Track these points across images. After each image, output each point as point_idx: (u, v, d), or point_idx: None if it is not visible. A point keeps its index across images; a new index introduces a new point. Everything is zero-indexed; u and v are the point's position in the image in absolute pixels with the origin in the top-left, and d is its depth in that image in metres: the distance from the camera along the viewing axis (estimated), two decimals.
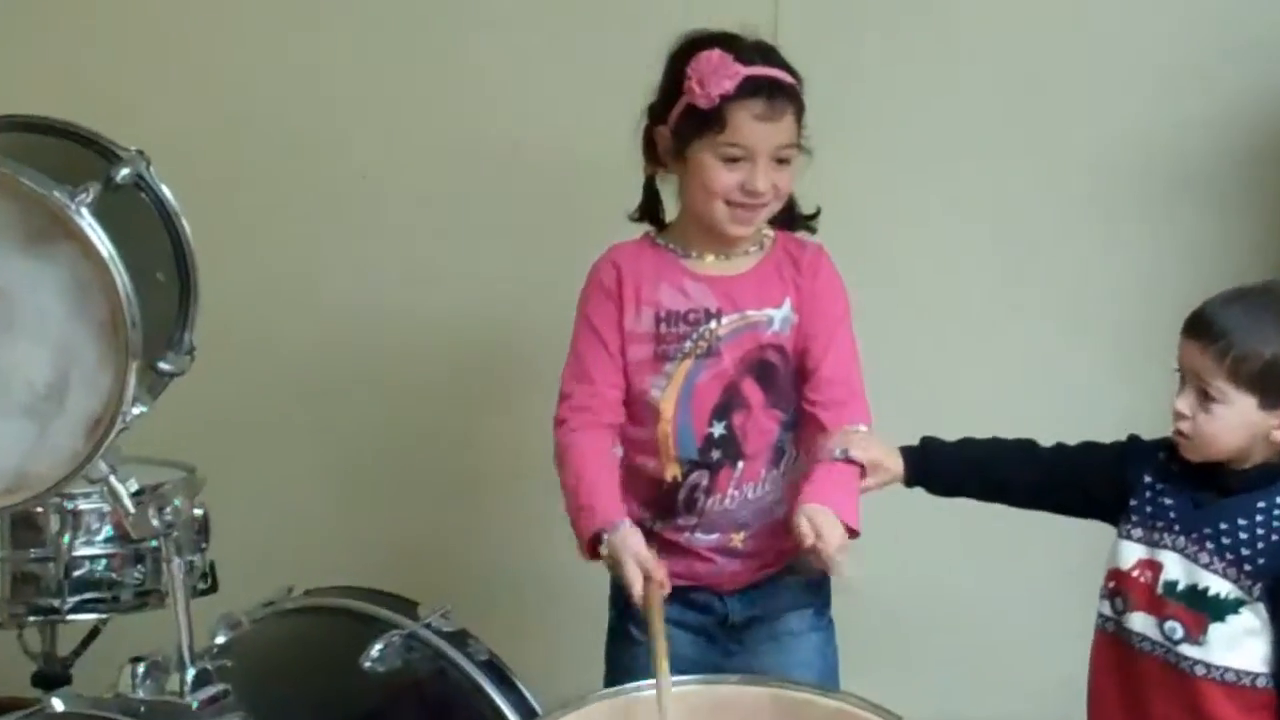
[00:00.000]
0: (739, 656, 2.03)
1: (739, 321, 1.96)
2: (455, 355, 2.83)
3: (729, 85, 1.90)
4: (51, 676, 2.33)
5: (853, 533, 1.84)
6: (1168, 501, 1.86)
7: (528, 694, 1.97)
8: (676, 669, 1.73)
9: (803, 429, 2.00)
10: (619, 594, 2.01)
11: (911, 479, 1.97)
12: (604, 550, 1.87)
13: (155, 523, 1.80)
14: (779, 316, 1.98)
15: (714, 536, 2.00)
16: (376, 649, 1.92)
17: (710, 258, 2.00)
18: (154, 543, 2.15)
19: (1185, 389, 1.81)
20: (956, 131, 2.61)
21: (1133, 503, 1.88)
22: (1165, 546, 1.85)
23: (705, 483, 1.98)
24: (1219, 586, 1.80)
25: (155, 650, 1.82)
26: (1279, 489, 1.80)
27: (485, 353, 2.82)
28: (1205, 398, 1.79)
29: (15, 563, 2.18)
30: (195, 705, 1.76)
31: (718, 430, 1.96)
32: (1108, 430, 1.98)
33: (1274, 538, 1.79)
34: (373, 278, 2.85)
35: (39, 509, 2.14)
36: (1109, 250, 2.62)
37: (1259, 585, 1.78)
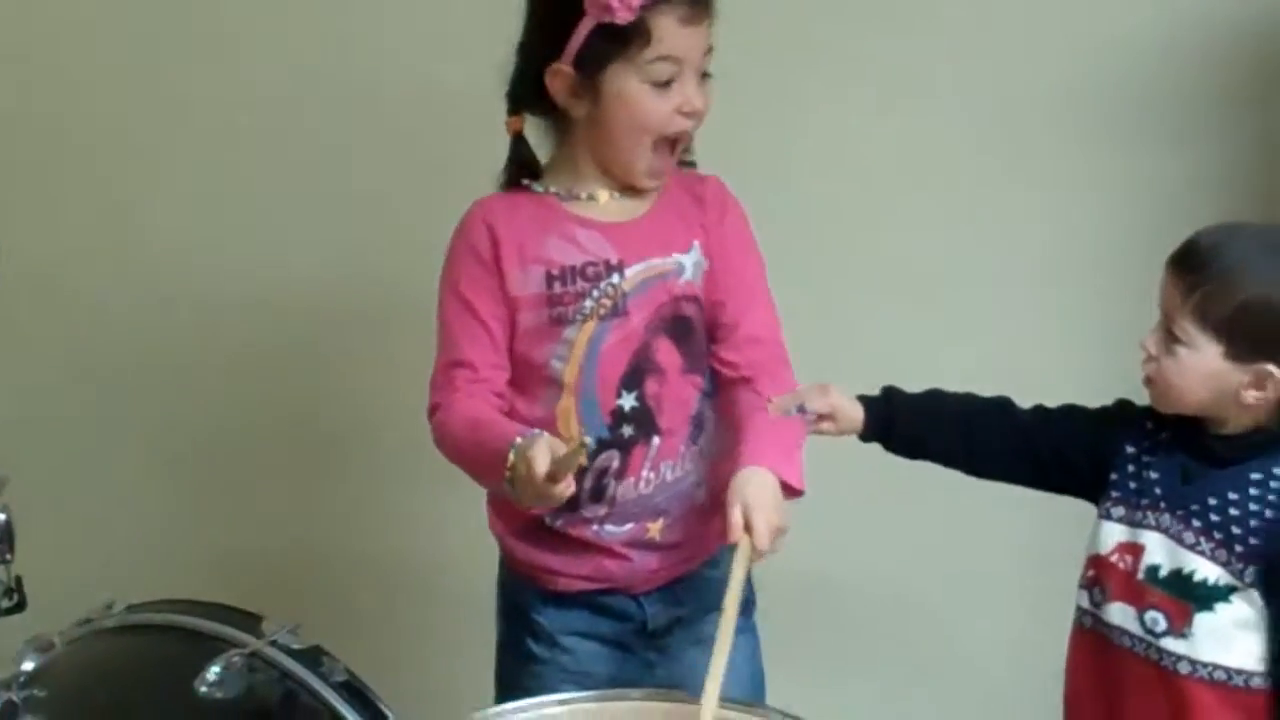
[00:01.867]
0: (661, 668, 1.83)
1: (645, 272, 1.73)
2: (291, 329, 2.63)
3: None
4: None
5: (794, 492, 1.67)
6: (1152, 475, 1.73)
7: (390, 715, 1.78)
8: (589, 688, 1.56)
9: (720, 398, 1.81)
10: (510, 603, 1.83)
11: (870, 432, 1.82)
12: (512, 461, 1.59)
13: None
14: (689, 263, 1.75)
15: (627, 528, 1.76)
16: (214, 672, 1.73)
17: (604, 196, 1.76)
18: None
19: (1156, 326, 1.69)
20: (908, 84, 2.44)
21: (1113, 476, 1.75)
22: (1148, 526, 1.71)
23: (615, 465, 1.74)
24: (1206, 571, 1.67)
25: None
26: (1271, 456, 1.67)
27: (335, 328, 2.62)
28: (1171, 337, 1.66)
29: None
30: None
31: (628, 402, 1.73)
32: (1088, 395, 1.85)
33: (1269, 514, 1.66)
34: (197, 243, 2.65)
35: None
36: (1076, 192, 2.47)
37: (1251, 569, 1.65)
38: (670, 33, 1.67)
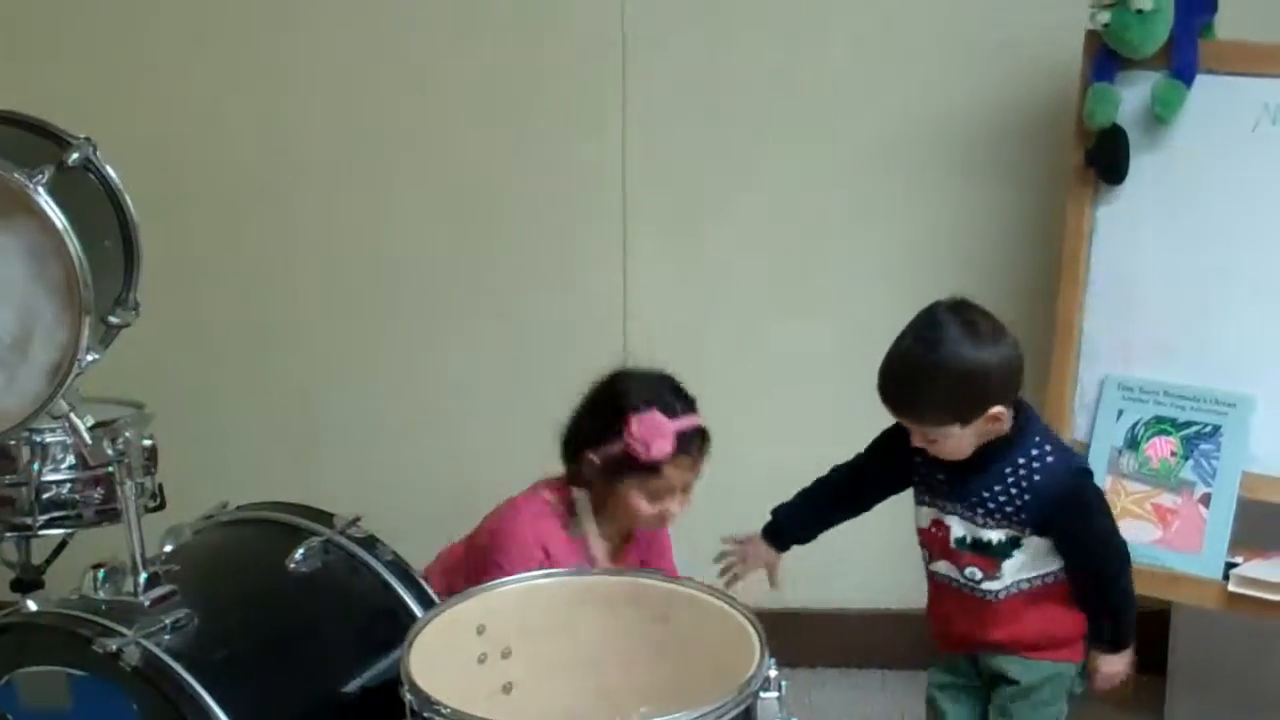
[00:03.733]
0: None
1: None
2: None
3: (668, 447, 2.18)
4: (26, 582, 2.47)
5: None
6: (940, 476, 2.11)
7: (429, 588, 2.14)
8: None
9: None
10: None
11: (782, 548, 2.29)
12: None
13: (109, 451, 1.95)
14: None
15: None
16: (300, 553, 2.09)
17: (604, 549, 2.31)
18: (110, 468, 2.17)
19: (914, 434, 2.05)
20: (757, 124, 2.85)
21: (915, 479, 2.15)
22: (949, 512, 2.11)
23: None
24: (998, 536, 2.07)
25: (113, 558, 1.98)
26: (1013, 453, 2.04)
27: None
28: (931, 441, 2.03)
29: None
30: (147, 604, 1.92)
31: None
32: None
33: (1027, 495, 2.03)
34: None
35: (11, 442, 2.30)
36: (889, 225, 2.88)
37: (1029, 528, 2.06)
38: (675, 474, 2.23)
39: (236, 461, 3.00)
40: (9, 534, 2.38)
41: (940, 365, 1.96)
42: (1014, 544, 2.07)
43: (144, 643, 1.86)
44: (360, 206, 2.98)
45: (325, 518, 2.21)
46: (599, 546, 2.31)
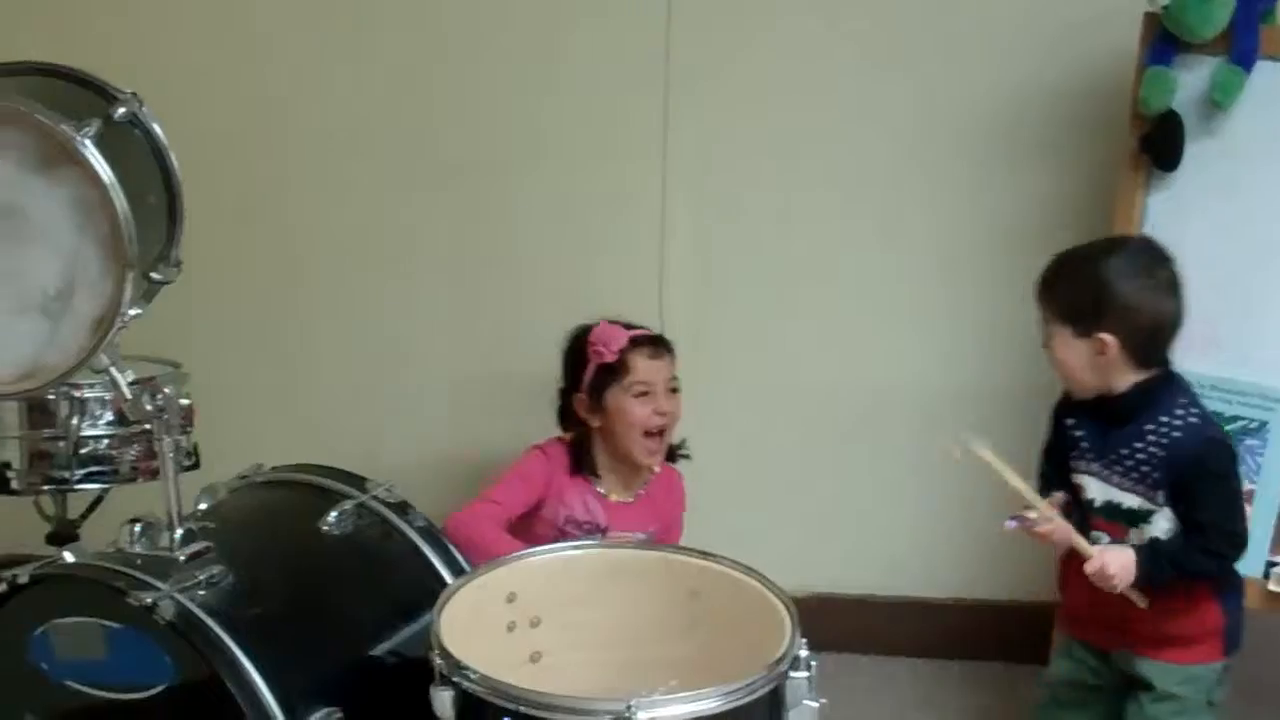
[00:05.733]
0: None
1: (617, 536, 2.53)
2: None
3: (624, 340, 2.52)
4: (63, 536, 2.51)
5: None
6: (1079, 434, 2.11)
7: (458, 554, 2.17)
8: None
9: None
10: None
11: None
12: None
13: (148, 407, 1.98)
14: (642, 535, 2.56)
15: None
16: (333, 515, 2.13)
17: (614, 495, 2.59)
18: (148, 425, 2.19)
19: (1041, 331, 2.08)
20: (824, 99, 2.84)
21: (1066, 443, 2.13)
22: (1084, 472, 2.10)
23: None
24: (1131, 501, 2.04)
25: (149, 513, 2.02)
26: (1156, 410, 2.02)
27: None
28: (1047, 334, 2.05)
29: (32, 441, 2.39)
30: (183, 559, 1.96)
31: None
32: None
33: (1162, 454, 2.00)
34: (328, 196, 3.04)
35: (51, 396, 2.34)
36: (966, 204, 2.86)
37: (1161, 493, 2.02)
38: (644, 366, 2.54)
39: (271, 424, 3.03)
40: (46, 487, 2.42)
41: (1091, 262, 2.02)
42: (1145, 515, 2.04)
43: (178, 597, 1.90)
44: (401, 165, 2.99)
45: (359, 481, 2.26)
46: (610, 484, 2.60)
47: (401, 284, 3.04)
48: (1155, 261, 2.04)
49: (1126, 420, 2.05)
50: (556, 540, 2.31)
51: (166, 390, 2.02)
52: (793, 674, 1.76)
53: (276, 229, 3.05)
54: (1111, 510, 2.07)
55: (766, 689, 1.73)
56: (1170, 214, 2.51)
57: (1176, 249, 2.11)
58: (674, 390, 2.57)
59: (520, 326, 2.96)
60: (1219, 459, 2.04)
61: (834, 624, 2.78)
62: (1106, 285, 2.00)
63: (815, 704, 1.77)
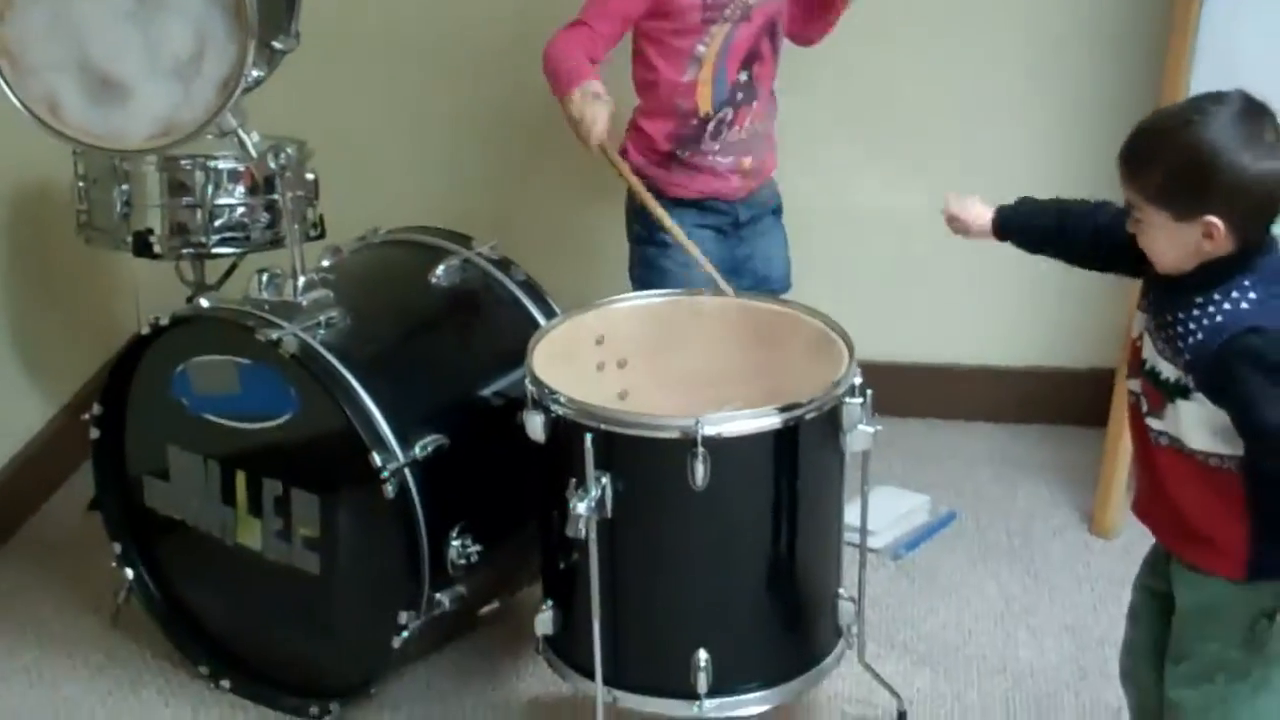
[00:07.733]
0: (743, 245, 2.57)
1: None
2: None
3: None
4: None
5: None
6: (1149, 274, 1.77)
7: (556, 306, 2.31)
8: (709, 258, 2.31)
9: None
10: (643, 213, 2.41)
11: (1000, 233, 1.93)
12: (577, 94, 2.29)
13: (273, 164, 2.13)
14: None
15: (730, 159, 2.49)
16: (441, 269, 2.28)
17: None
18: (274, 197, 2.48)
19: (1130, 213, 1.71)
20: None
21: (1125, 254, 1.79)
22: (1145, 326, 1.77)
23: (729, 117, 2.46)
24: (1167, 371, 1.72)
25: (275, 266, 2.19)
26: (1217, 285, 1.66)
27: None
28: (1136, 220, 1.69)
29: (171, 210, 2.52)
30: (305, 304, 2.14)
31: (743, 77, 2.44)
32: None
33: (1200, 335, 1.65)
34: None
35: (188, 166, 2.48)
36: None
37: (1190, 378, 1.68)
38: None
39: (388, 194, 3.01)
40: (185, 252, 2.58)
41: (1187, 130, 1.64)
42: (1183, 390, 1.70)
43: (301, 335, 2.09)
44: None
45: (465, 240, 2.40)
46: None
47: (511, 58, 2.88)
48: (1259, 119, 1.63)
49: (1183, 287, 1.70)
50: (707, 24, 2.38)
51: (289, 149, 2.18)
52: (849, 399, 1.91)
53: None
54: (1154, 377, 1.74)
55: (824, 409, 1.89)
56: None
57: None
58: None
59: None
60: (1246, 348, 1.62)
61: (917, 390, 3.02)
62: (1210, 157, 1.61)
63: (871, 429, 1.92)
